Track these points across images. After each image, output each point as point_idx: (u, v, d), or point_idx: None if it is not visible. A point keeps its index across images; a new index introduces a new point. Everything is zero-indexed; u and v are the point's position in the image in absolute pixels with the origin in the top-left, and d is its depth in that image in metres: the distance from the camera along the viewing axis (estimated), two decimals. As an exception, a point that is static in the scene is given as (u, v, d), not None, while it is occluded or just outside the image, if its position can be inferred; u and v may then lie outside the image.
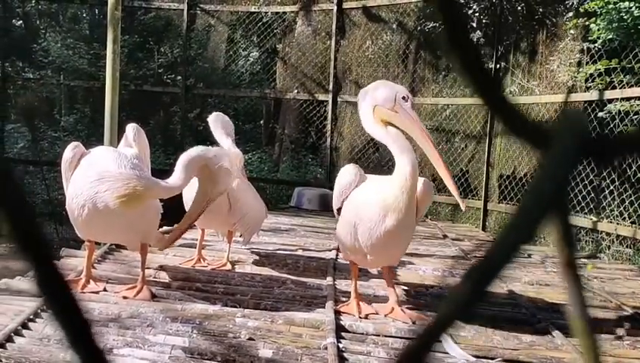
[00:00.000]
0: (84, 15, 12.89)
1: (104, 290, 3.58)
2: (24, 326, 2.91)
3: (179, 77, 10.27)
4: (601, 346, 0.42)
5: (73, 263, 4.07)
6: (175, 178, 3.25)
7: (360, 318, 3.30)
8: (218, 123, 4.43)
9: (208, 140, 5.76)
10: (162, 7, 10.41)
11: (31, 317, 3.01)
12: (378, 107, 3.09)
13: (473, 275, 0.34)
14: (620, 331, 3.31)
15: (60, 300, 0.36)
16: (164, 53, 10.71)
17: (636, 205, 5.85)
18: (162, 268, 4.19)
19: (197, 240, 4.58)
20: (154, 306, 3.31)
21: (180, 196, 4.29)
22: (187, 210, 4.29)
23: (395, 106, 3.07)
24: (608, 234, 6.10)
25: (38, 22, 12.60)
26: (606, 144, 0.35)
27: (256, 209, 4.35)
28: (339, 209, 3.36)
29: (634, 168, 5.80)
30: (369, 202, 3.10)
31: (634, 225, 5.82)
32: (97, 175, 3.20)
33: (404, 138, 3.11)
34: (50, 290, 0.36)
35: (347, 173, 3.29)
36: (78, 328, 0.37)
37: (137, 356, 2.68)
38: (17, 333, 2.82)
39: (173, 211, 4.60)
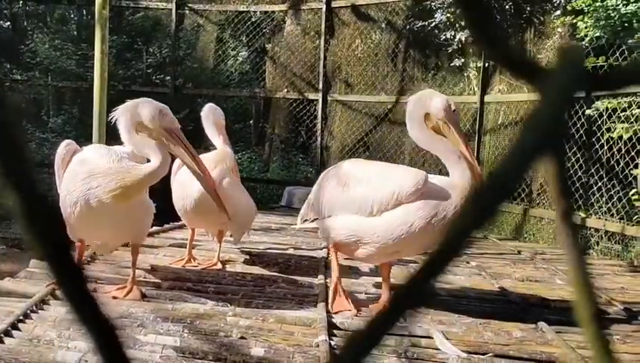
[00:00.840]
0: (72, 16, 12.80)
1: (94, 290, 3.55)
2: (14, 327, 2.88)
3: (168, 77, 10.23)
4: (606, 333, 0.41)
5: (62, 264, 4.04)
6: (152, 158, 3.24)
7: (356, 314, 3.30)
8: (210, 116, 4.41)
9: (197, 140, 5.76)
10: (150, 6, 10.36)
11: (21, 318, 2.98)
12: (432, 115, 3.15)
13: (472, 204, 0.34)
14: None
15: (73, 287, 0.36)
16: (153, 53, 10.65)
17: (624, 201, 5.89)
18: (152, 268, 4.17)
19: (187, 239, 4.57)
20: (145, 306, 3.30)
21: (170, 196, 4.29)
22: (177, 209, 4.29)
23: (445, 116, 3.12)
24: (597, 230, 6.14)
25: (25, 23, 12.49)
26: (608, 75, 0.35)
27: (246, 208, 4.34)
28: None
29: (621, 164, 5.85)
30: (447, 208, 3.12)
31: (622, 221, 5.86)
32: (87, 172, 3.22)
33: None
34: (65, 276, 0.36)
35: (416, 180, 3.13)
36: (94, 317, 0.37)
37: (127, 356, 2.67)
38: (6, 333, 2.80)
39: (164, 211, 4.59)
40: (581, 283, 0.38)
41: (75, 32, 12.13)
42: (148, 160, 3.29)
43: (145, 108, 3.28)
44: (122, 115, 3.29)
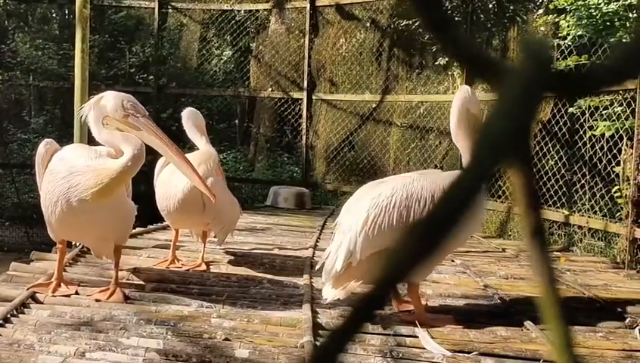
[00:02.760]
0: (53, 15, 12.68)
1: (76, 293, 3.51)
2: (-7, 331, 2.84)
3: (151, 77, 10.14)
4: (573, 331, 0.40)
5: (43, 266, 3.99)
6: (124, 150, 3.20)
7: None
8: (190, 120, 4.38)
9: (181, 140, 5.71)
10: (132, 5, 10.27)
11: (1, 322, 2.93)
12: (472, 110, 3.20)
13: (418, 229, 0.32)
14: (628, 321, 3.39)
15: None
16: (135, 52, 10.56)
17: (607, 198, 5.94)
18: (135, 269, 4.12)
19: (171, 241, 4.52)
20: (127, 308, 3.26)
21: (153, 197, 4.25)
22: (160, 210, 4.25)
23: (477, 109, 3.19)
24: (580, 227, 6.19)
25: (6, 22, 12.34)
26: (571, 77, 0.32)
27: (230, 208, 4.31)
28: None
29: (604, 162, 5.90)
30: None
31: (605, 218, 5.91)
32: (67, 171, 3.19)
33: None
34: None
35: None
36: None
37: (110, 360, 2.64)
38: (-15, 339, 2.75)
39: (148, 212, 4.55)
40: (551, 303, 0.36)
41: (57, 32, 12.02)
42: None
43: (108, 100, 3.26)
44: (88, 111, 3.27)
